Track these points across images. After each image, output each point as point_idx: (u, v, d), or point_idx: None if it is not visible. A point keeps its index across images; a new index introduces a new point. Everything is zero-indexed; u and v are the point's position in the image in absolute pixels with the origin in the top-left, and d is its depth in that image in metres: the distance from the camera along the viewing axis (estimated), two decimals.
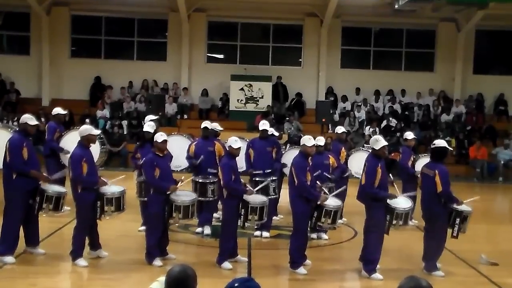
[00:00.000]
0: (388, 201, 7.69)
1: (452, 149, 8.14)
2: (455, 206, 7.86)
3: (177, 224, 9.53)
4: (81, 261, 7.74)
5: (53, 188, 8.00)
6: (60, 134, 10.79)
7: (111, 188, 7.93)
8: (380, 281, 7.67)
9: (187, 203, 7.91)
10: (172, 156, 8.80)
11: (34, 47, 21.69)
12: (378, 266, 7.82)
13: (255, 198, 7.98)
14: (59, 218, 10.00)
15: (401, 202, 7.91)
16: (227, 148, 8.33)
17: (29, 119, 7.98)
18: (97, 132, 8.18)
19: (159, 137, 8.01)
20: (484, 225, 12.18)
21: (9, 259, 7.71)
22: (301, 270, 7.83)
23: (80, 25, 22.21)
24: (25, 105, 20.29)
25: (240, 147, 8.11)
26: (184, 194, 8.08)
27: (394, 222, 7.70)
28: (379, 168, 7.62)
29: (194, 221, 9.98)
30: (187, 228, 9.73)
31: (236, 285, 3.29)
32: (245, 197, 7.83)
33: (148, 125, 9.43)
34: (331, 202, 7.88)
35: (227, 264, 7.89)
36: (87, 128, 7.97)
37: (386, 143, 7.84)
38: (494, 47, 22.91)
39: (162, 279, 3.85)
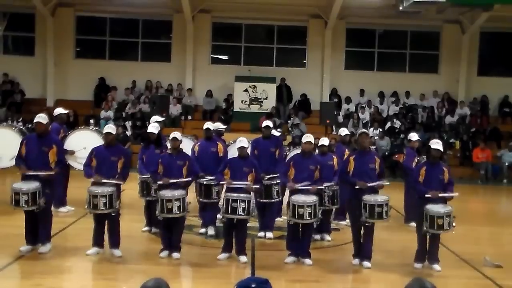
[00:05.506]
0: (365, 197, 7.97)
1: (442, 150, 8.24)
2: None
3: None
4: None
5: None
6: (64, 134, 10.82)
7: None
8: (383, 282, 7.67)
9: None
10: (188, 157, 8.53)
11: (39, 48, 21.76)
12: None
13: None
14: (63, 218, 10.06)
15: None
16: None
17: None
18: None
19: (171, 135, 8.32)
20: (488, 227, 12.20)
21: None
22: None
23: (84, 26, 22.29)
24: (30, 106, 20.37)
25: (242, 147, 8.22)
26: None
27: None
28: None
29: (198, 222, 10.01)
30: (191, 229, 9.73)
31: (253, 286, 3.21)
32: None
33: (153, 126, 9.44)
34: (300, 198, 7.95)
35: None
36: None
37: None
38: (499, 49, 22.87)
39: None
